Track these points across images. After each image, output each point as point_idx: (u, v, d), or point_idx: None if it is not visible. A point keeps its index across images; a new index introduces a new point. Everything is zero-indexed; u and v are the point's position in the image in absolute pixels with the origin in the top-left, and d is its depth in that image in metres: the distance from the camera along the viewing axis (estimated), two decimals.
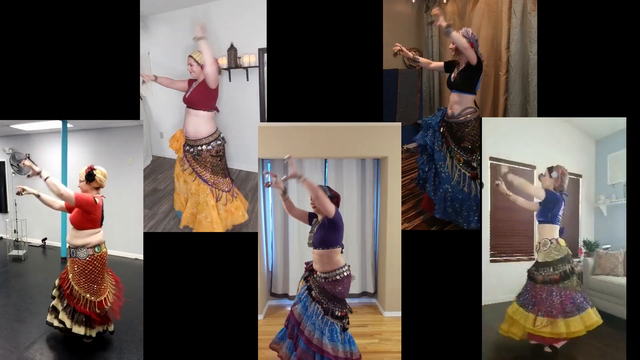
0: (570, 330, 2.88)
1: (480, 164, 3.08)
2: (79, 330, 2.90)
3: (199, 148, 3.20)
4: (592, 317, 2.91)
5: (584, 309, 2.92)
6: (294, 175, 2.59)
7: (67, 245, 2.94)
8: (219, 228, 3.16)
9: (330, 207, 2.61)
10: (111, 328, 3.01)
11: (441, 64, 3.24)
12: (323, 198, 2.59)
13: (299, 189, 3.88)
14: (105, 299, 2.95)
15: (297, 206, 2.94)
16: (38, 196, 2.95)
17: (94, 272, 2.90)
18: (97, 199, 2.87)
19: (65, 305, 2.93)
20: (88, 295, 2.89)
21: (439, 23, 2.88)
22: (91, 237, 2.89)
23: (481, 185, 3.12)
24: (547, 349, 2.97)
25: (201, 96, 3.16)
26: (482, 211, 3.07)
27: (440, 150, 3.16)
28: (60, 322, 2.91)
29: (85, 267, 2.88)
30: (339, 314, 2.68)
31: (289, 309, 2.85)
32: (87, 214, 2.85)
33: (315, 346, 2.63)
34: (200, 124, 3.18)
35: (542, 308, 2.93)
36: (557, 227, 3.00)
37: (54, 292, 3.00)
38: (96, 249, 2.91)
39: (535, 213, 3.09)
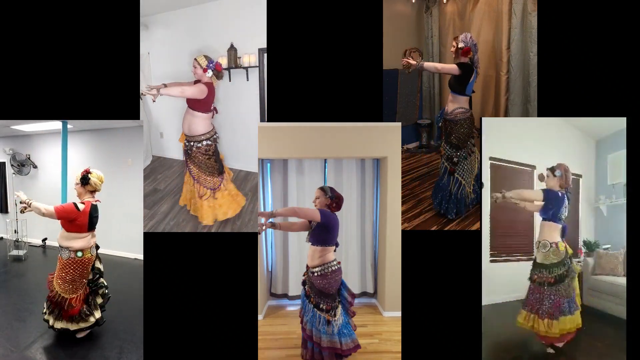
0: (550, 330, 2.90)
1: (471, 159, 3.30)
2: (48, 318, 2.94)
3: (191, 144, 3.34)
4: (571, 322, 2.94)
5: (566, 314, 2.93)
6: (268, 225, 2.91)
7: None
8: (205, 219, 3.32)
9: (314, 214, 2.77)
10: (73, 327, 2.96)
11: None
12: (300, 212, 2.83)
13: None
14: (77, 297, 2.95)
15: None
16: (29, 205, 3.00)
17: (71, 273, 2.92)
18: (79, 206, 2.87)
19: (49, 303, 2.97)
20: (62, 292, 2.91)
21: (411, 66, 3.22)
22: (75, 241, 2.91)
23: (481, 185, 3.12)
24: (550, 350, 2.96)
25: (195, 101, 3.28)
26: (482, 211, 3.07)
27: (437, 144, 3.47)
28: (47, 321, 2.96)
29: (64, 267, 2.92)
30: (325, 307, 2.80)
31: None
32: (71, 221, 2.88)
33: (315, 342, 2.77)
34: (194, 122, 3.31)
35: (531, 305, 2.97)
36: (558, 226, 2.99)
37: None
38: (78, 254, 2.93)
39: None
